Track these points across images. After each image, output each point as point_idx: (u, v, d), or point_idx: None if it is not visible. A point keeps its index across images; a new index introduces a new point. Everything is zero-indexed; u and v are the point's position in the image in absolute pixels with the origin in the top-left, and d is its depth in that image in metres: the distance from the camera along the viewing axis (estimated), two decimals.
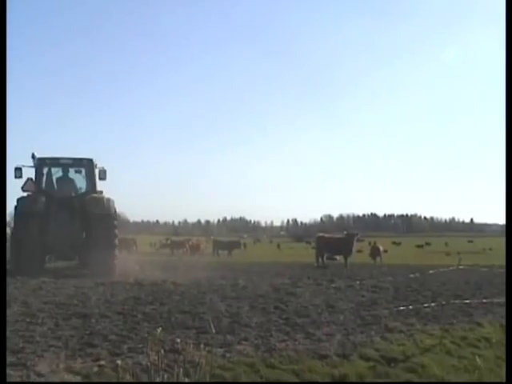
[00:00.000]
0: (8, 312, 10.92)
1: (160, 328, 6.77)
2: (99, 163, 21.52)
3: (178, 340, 6.56)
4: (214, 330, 8.21)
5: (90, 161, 21.48)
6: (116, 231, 20.62)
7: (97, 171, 21.50)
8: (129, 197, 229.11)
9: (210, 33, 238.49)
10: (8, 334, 8.81)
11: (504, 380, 6.65)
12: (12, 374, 6.74)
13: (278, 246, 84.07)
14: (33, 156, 21.21)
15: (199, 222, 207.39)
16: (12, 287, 15.22)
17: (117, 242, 20.82)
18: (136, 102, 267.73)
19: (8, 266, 19.39)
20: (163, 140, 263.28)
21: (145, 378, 6.06)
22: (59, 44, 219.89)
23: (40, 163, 21.26)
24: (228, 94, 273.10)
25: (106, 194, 21.30)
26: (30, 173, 21.31)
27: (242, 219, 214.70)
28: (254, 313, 11.70)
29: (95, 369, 7.05)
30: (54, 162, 21.71)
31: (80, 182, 21.89)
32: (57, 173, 21.97)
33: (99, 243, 19.55)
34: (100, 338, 8.67)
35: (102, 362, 7.31)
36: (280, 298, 14.31)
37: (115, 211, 21.02)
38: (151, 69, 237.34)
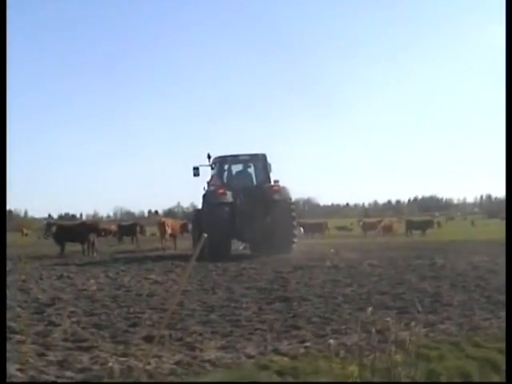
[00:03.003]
0: (214, 297, 11.58)
1: (371, 307, 6.83)
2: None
3: (389, 319, 6.59)
4: (419, 309, 8.16)
5: (264, 155, 24.00)
6: (293, 214, 22.95)
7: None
8: (318, 181, 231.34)
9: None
10: (216, 318, 9.33)
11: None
12: (224, 355, 7.09)
13: (472, 223, 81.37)
14: (208, 156, 24.58)
15: (389, 202, 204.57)
16: (214, 274, 16.05)
17: (295, 223, 23.43)
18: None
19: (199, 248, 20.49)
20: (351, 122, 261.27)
21: (350, 358, 6.16)
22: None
23: (221, 161, 24.19)
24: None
25: (280, 183, 23.36)
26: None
27: (433, 197, 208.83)
28: (455, 291, 11.51)
29: (301, 350, 7.25)
30: (234, 158, 24.39)
31: (256, 174, 24.42)
32: (236, 168, 24.81)
33: (279, 225, 21.98)
34: (303, 321, 8.89)
35: (308, 344, 7.51)
36: (480, 275, 13.96)
37: (291, 197, 23.43)
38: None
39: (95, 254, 25.23)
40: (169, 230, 30.54)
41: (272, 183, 23.26)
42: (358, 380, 5.57)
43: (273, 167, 24.17)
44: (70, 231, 26.86)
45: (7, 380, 6.17)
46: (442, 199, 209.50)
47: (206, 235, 6.72)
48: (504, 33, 8.10)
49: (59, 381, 6.17)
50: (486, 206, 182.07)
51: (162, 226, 31.05)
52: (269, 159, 24.07)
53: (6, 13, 8.72)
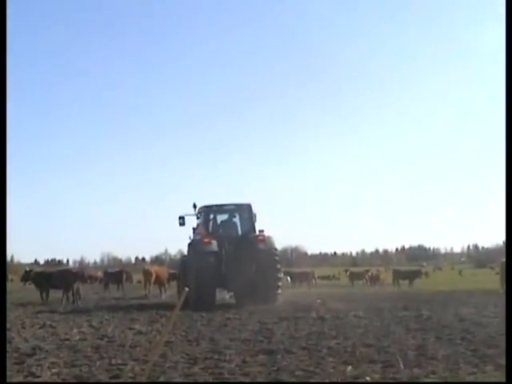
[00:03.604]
0: (197, 349, 11.41)
1: (350, 367, 6.79)
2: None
3: (368, 379, 6.55)
4: (402, 366, 8.10)
5: (249, 205, 24.38)
6: (278, 264, 23.13)
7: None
8: (306, 229, 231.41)
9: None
10: (199, 371, 9.19)
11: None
12: None
13: (460, 272, 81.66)
14: (194, 205, 24.94)
15: (377, 251, 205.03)
16: (199, 324, 15.91)
17: (280, 273, 23.66)
18: None
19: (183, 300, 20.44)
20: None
21: None
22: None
23: (206, 210, 24.47)
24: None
25: (266, 233, 23.60)
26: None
27: (420, 247, 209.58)
28: (441, 344, 11.42)
29: None
30: (219, 208, 24.82)
31: (242, 223, 24.69)
32: (221, 217, 25.10)
33: (264, 275, 22.26)
34: (287, 374, 8.77)
35: None
36: (466, 328, 13.87)
37: (276, 247, 23.59)
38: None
39: (79, 302, 24.99)
40: (152, 279, 30.69)
41: (257, 233, 23.46)
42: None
43: (262, 215, 24.51)
44: (52, 278, 26.56)
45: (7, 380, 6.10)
46: (429, 249, 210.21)
47: (187, 289, 6.70)
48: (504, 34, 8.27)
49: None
50: (473, 255, 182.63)
51: (147, 274, 31.20)
52: (254, 209, 24.37)
53: (5, 13, 8.73)
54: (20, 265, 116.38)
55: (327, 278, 63.60)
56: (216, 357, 10.43)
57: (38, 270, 33.41)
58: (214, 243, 22.42)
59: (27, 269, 31.61)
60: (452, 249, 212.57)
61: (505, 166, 7.94)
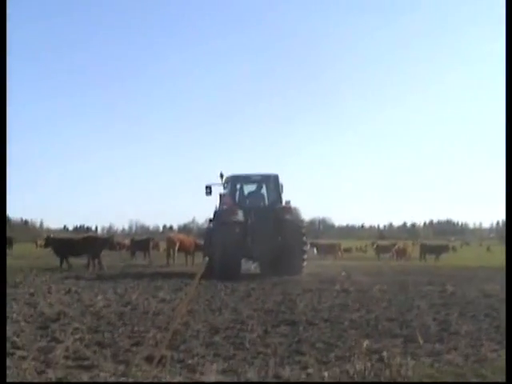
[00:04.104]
0: (219, 318, 11.44)
1: (366, 341, 6.74)
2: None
3: (385, 353, 6.51)
4: (421, 341, 8.04)
5: (276, 176, 24.22)
6: (304, 235, 23.07)
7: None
8: (334, 201, 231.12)
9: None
10: (220, 340, 9.21)
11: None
12: (223, 379, 7.00)
13: (488, 248, 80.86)
14: (221, 175, 24.62)
15: (405, 225, 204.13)
16: (223, 293, 15.96)
17: (306, 244, 23.34)
18: None
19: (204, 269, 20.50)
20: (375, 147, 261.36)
21: None
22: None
23: (233, 180, 24.33)
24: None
25: (292, 204, 23.58)
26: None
27: (448, 221, 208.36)
28: (464, 320, 11.33)
29: (303, 376, 7.15)
30: (246, 178, 24.72)
31: (268, 194, 24.65)
32: (248, 187, 25.04)
33: (290, 246, 22.26)
34: (308, 346, 8.76)
35: (310, 371, 7.39)
36: (491, 304, 13.74)
37: (302, 218, 23.61)
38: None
39: (105, 269, 25.08)
40: (176, 247, 30.80)
41: (283, 204, 23.40)
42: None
43: (291, 185, 24.42)
44: (78, 245, 26.68)
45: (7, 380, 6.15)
46: (457, 224, 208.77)
47: (207, 258, 6.71)
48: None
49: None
50: (502, 231, 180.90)
51: (170, 242, 31.30)
52: (281, 180, 24.27)
53: (5, 13, 8.68)
54: (49, 230, 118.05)
55: (350, 250, 63.35)
56: (238, 326, 10.46)
57: (58, 236, 33.71)
58: (240, 213, 22.34)
59: (46, 235, 31.99)
60: (481, 224, 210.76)
61: (505, 166, 7.82)
